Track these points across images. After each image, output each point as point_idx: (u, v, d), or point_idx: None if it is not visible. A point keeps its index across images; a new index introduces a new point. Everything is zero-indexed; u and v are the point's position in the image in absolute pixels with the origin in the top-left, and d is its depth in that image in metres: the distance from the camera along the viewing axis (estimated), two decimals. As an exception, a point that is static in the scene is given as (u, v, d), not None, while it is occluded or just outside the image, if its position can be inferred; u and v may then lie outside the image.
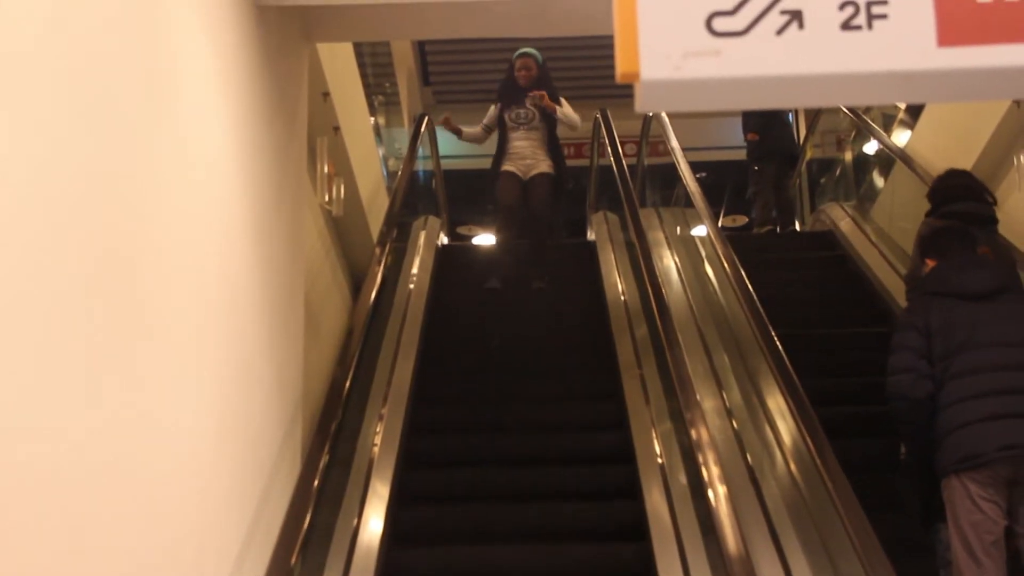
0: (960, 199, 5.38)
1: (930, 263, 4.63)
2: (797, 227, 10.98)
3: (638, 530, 4.93)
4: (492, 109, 8.45)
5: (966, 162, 6.33)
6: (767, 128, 10.07)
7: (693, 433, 4.46)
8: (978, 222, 5.24)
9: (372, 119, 9.14)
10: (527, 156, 8.24)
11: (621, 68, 1.68)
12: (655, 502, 4.98)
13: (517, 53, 8.35)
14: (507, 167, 8.26)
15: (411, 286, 7.65)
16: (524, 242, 8.28)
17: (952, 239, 4.63)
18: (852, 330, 7.00)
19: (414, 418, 5.92)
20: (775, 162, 10.18)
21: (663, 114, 9.08)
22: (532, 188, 8.20)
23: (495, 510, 5.31)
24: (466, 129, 8.52)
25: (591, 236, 9.37)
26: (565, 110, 8.21)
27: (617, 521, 5.17)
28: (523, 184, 8.23)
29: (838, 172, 10.65)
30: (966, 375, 4.16)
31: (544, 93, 8.10)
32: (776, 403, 5.29)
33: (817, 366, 6.10)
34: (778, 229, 10.06)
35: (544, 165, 8.23)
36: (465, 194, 11.82)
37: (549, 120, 8.25)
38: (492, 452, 5.85)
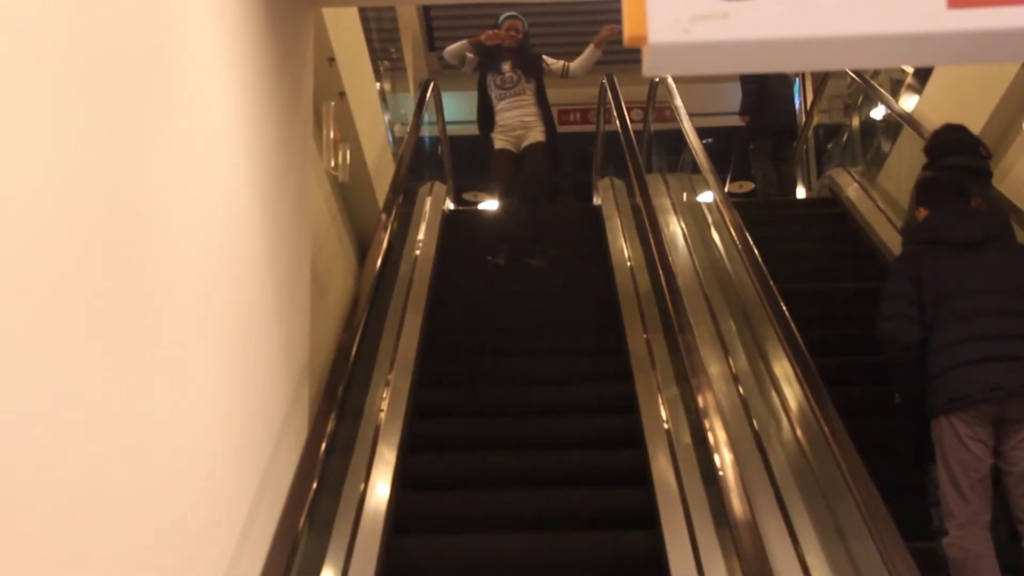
0: (955, 153, 5.49)
1: (923, 212, 4.77)
2: (802, 194, 11.02)
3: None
4: (470, 55, 8.12)
5: (975, 126, 6.30)
6: (759, 106, 10.06)
7: (700, 399, 4.47)
8: (973, 175, 5.34)
9: (378, 85, 9.11)
10: (517, 127, 8.06)
11: (628, 31, 1.66)
12: (660, 464, 5.00)
13: (503, 16, 8.18)
14: (500, 143, 8.09)
15: (417, 252, 7.65)
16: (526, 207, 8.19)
17: (945, 190, 4.77)
18: (855, 284, 7.08)
19: (420, 384, 5.93)
20: (771, 139, 10.17)
21: (669, 79, 9.05)
22: (526, 160, 8.02)
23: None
24: (468, 52, 8.14)
25: (597, 201, 9.37)
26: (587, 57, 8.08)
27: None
28: (517, 157, 8.07)
29: (845, 138, 10.61)
30: (955, 320, 4.33)
31: (615, 28, 7.85)
32: (782, 369, 5.31)
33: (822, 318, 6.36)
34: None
35: (536, 132, 8.03)
36: (471, 160, 11.78)
37: (537, 77, 8.09)
38: (496, 429, 5.86)
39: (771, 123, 10.15)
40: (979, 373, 4.21)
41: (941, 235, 4.54)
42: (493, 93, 8.12)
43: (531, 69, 8.08)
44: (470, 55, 8.13)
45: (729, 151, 10.59)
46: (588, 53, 8.08)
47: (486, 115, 8.20)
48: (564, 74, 8.20)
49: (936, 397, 4.29)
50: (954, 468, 4.17)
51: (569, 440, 5.65)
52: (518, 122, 8.06)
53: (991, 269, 4.43)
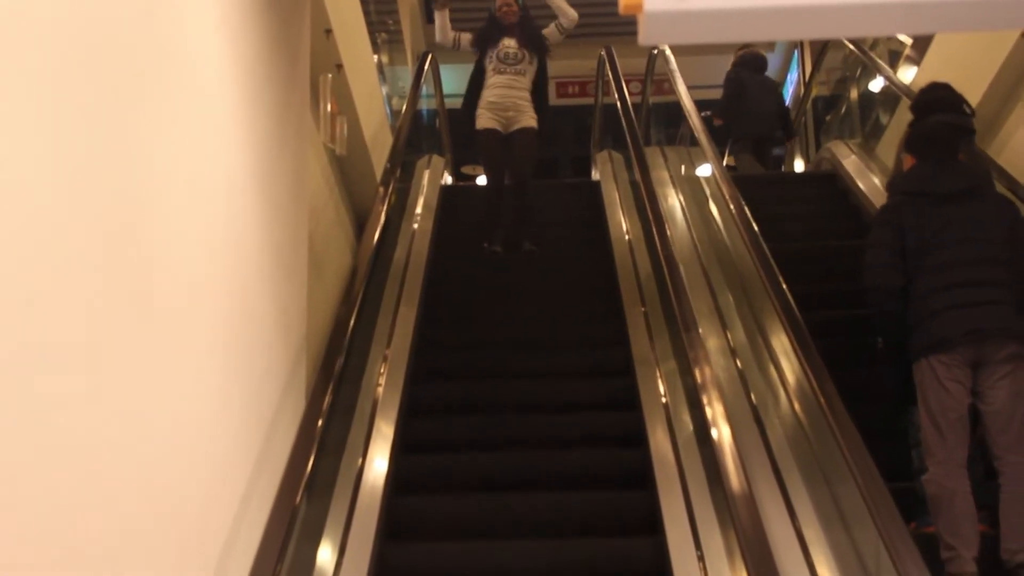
0: (940, 110, 5.57)
1: (910, 160, 4.93)
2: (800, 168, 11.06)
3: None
4: (466, 36, 8.04)
5: (973, 97, 6.29)
6: (736, 115, 9.97)
7: (697, 373, 4.49)
8: (957, 132, 5.42)
9: (375, 57, 9.07)
10: (509, 107, 7.79)
11: (625, 0, 1.66)
12: (659, 440, 5.02)
13: None
14: (487, 122, 7.82)
15: (415, 225, 7.63)
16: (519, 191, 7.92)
17: (936, 143, 4.90)
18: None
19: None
20: (751, 143, 10.10)
21: (668, 50, 9.01)
22: (513, 145, 7.77)
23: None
24: (447, 25, 8.04)
25: (595, 175, 9.34)
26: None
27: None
28: (504, 138, 7.81)
29: (843, 110, 10.57)
30: (936, 269, 4.52)
31: None
32: (780, 342, 5.32)
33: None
34: None
35: (527, 118, 7.78)
36: (469, 134, 11.76)
37: (540, 57, 7.91)
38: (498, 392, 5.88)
39: (748, 132, 10.06)
40: (958, 317, 4.40)
41: (925, 187, 4.70)
42: (490, 66, 7.89)
43: (536, 47, 7.89)
44: (466, 36, 8.03)
45: (728, 124, 10.49)
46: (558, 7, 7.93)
47: (474, 95, 7.99)
48: (561, 31, 7.96)
49: (917, 341, 4.48)
50: (933, 408, 4.37)
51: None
52: (511, 102, 7.81)
53: (972, 219, 4.60)
